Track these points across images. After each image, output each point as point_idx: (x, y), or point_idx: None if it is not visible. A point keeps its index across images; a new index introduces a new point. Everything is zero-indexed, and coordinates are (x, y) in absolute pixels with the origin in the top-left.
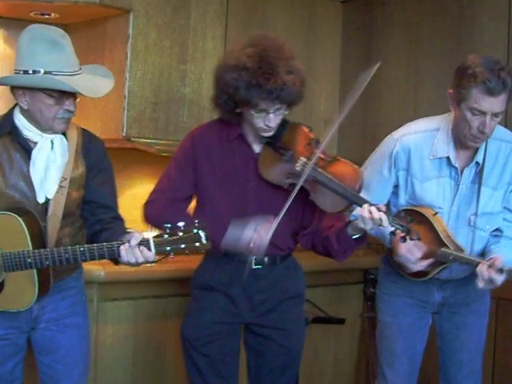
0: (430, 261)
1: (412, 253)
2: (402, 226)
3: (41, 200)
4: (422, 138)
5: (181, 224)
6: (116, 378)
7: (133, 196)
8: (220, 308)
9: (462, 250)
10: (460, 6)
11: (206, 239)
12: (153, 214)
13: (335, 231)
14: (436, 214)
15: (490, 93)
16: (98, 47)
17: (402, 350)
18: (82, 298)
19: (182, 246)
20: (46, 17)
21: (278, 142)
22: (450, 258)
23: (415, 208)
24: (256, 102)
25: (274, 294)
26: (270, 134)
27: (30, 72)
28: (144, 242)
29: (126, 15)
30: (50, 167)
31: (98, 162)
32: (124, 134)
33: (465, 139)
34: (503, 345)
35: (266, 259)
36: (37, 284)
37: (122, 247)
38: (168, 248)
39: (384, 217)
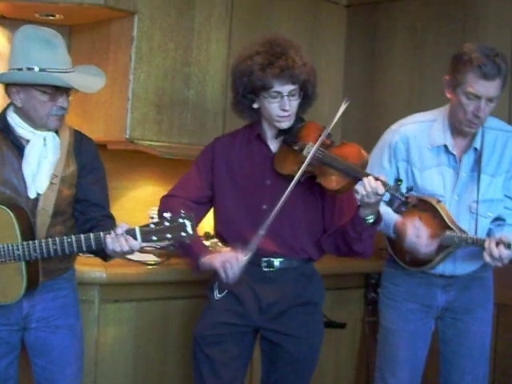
0: (437, 241)
1: (419, 234)
2: (399, 194)
3: (32, 195)
4: (419, 127)
5: (167, 215)
6: (117, 380)
7: (135, 198)
8: (227, 309)
9: (467, 234)
10: (464, 11)
11: (192, 229)
12: (166, 209)
13: (350, 219)
14: (440, 201)
15: (485, 77)
16: (102, 49)
17: (404, 358)
18: (75, 300)
19: (168, 235)
20: (51, 18)
21: (292, 138)
22: (456, 239)
23: (419, 197)
24: (270, 83)
25: (284, 299)
26: (287, 124)
27: (25, 69)
28: (130, 232)
29: (131, 17)
30: (42, 163)
31: (89, 162)
32: (127, 136)
33: (460, 125)
34: (504, 351)
35: (277, 263)
36: (25, 277)
37: (107, 236)
38: (154, 238)
39: (379, 185)
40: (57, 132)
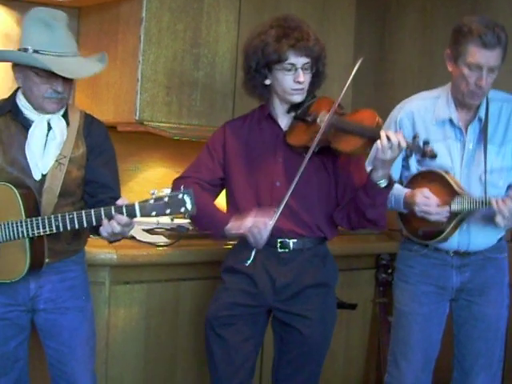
0: (447, 208)
1: (430, 199)
2: (417, 146)
3: (37, 177)
4: (423, 104)
5: (167, 190)
6: (128, 361)
7: (145, 179)
8: (241, 289)
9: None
10: None
11: (192, 205)
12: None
13: (363, 186)
14: (448, 172)
15: (486, 46)
16: (111, 30)
17: (416, 341)
18: (84, 282)
19: (168, 210)
20: (60, 0)
21: (304, 114)
22: (466, 204)
23: (427, 169)
24: (286, 55)
25: (298, 280)
26: (300, 97)
27: (22, 50)
28: (129, 207)
29: None
30: (49, 144)
31: (98, 144)
32: (137, 118)
33: (463, 97)
34: None
35: (292, 243)
36: (28, 255)
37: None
38: (153, 213)
39: (401, 138)
40: (66, 115)
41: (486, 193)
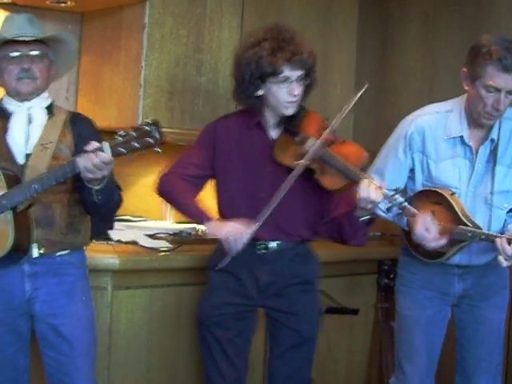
0: (446, 238)
1: (429, 230)
2: (397, 203)
3: (21, 160)
4: (435, 118)
5: (132, 127)
6: (130, 367)
7: (148, 185)
8: (229, 288)
9: (480, 229)
10: None
11: (159, 133)
12: (164, 186)
13: (347, 214)
14: (453, 194)
15: (506, 70)
16: (114, 36)
17: (420, 344)
18: (83, 288)
19: (136, 144)
20: (62, 5)
21: (293, 127)
22: (469, 234)
23: (432, 188)
24: (280, 68)
25: (281, 279)
26: (292, 110)
27: None
28: (99, 147)
29: (143, 4)
30: (30, 132)
31: (85, 132)
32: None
33: (479, 117)
34: None
35: (273, 245)
36: (12, 227)
37: (77, 157)
38: (122, 149)
39: (378, 194)
40: (51, 108)
41: (491, 217)
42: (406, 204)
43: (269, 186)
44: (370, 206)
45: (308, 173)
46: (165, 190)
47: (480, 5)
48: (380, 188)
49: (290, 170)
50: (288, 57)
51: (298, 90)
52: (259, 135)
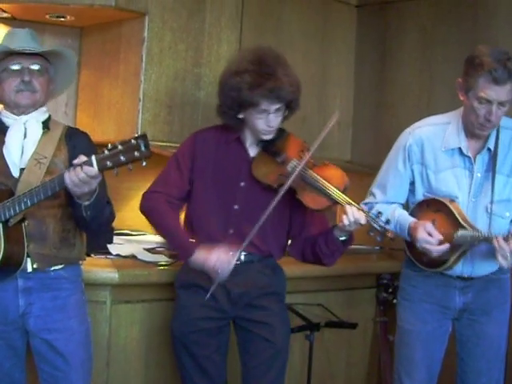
0: (448, 245)
1: (432, 234)
2: (379, 226)
3: (15, 174)
4: (433, 130)
5: (119, 141)
6: (128, 381)
7: None
8: (202, 304)
9: (479, 232)
10: (475, 11)
11: (145, 147)
12: (148, 205)
13: (323, 234)
14: (453, 201)
15: (496, 82)
16: (113, 50)
17: (420, 359)
18: (78, 302)
19: (122, 158)
20: (62, 19)
21: (273, 147)
22: (468, 238)
23: (433, 198)
24: (258, 102)
25: (252, 289)
26: (270, 136)
27: None
28: (86, 162)
29: (142, 18)
30: (25, 145)
31: (81, 147)
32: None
33: (472, 127)
34: None
35: (243, 257)
36: (4, 241)
37: (66, 171)
38: (109, 163)
39: (362, 216)
40: (47, 123)
41: (490, 225)
42: (386, 225)
43: (242, 199)
44: (354, 228)
45: (285, 192)
46: (150, 211)
47: (478, 19)
48: (363, 210)
49: (266, 187)
50: (265, 93)
51: (275, 121)
52: (237, 150)
